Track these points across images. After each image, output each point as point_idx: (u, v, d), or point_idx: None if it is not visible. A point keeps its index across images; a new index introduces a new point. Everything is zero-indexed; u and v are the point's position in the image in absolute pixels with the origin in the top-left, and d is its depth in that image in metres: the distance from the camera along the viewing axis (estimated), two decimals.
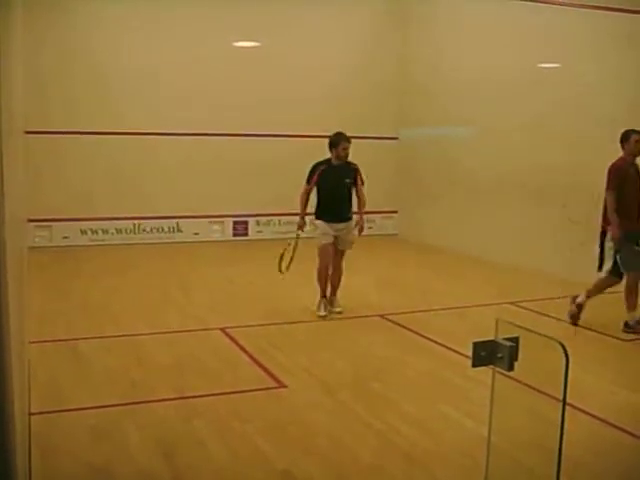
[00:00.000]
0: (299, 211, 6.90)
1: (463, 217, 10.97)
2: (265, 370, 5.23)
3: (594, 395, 4.77)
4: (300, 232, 6.83)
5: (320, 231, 6.87)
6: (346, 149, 6.75)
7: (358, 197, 6.98)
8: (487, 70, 10.25)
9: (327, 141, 6.86)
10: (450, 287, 8.55)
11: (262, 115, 11.51)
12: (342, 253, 6.98)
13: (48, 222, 10.62)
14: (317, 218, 6.90)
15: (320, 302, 6.93)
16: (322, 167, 6.82)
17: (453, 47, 11.05)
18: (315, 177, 6.80)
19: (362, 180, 6.97)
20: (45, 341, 5.78)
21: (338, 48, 12.02)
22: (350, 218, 6.95)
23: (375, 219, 12.08)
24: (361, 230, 6.91)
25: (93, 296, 7.60)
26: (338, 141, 6.74)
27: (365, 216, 7.03)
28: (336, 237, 6.85)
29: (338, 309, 6.96)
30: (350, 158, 6.82)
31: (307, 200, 6.94)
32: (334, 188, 6.82)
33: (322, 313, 6.86)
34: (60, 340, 5.91)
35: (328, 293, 6.98)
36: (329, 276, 6.95)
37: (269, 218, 11.96)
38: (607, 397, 4.84)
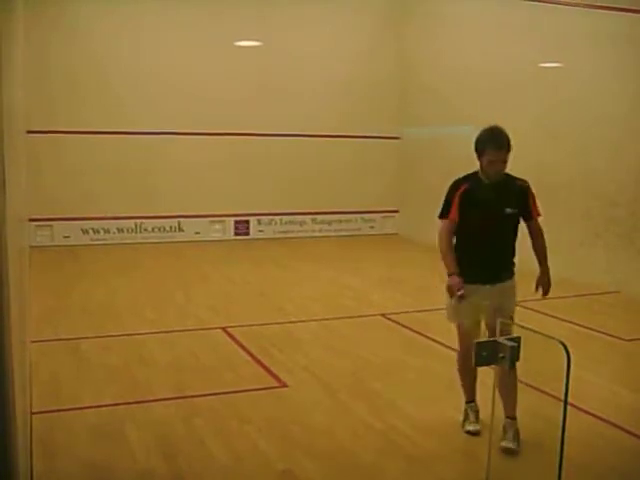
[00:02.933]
0: (447, 265, 4.14)
1: None
2: (266, 369, 5.22)
3: (595, 395, 4.76)
4: (460, 298, 3.92)
5: (456, 303, 3.98)
6: (494, 163, 4.10)
7: (533, 236, 4.26)
8: (489, 68, 10.24)
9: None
10: None
11: (263, 114, 11.52)
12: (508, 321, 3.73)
13: (49, 221, 10.64)
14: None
15: (466, 410, 4.20)
16: (465, 186, 4.18)
17: (455, 45, 11.03)
18: (455, 204, 4.14)
19: (538, 210, 4.25)
20: (46, 340, 5.78)
21: (339, 46, 12.02)
22: (512, 275, 4.15)
23: (376, 218, 12.07)
24: (547, 289, 4.14)
25: (94, 295, 7.60)
26: (483, 146, 4.13)
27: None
28: (487, 306, 3.97)
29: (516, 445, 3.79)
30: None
31: (452, 243, 4.23)
32: (487, 223, 4.08)
33: (469, 428, 4.10)
34: (61, 339, 5.91)
35: (476, 394, 4.19)
36: (474, 369, 3.95)
37: (270, 217, 11.96)
38: (608, 397, 4.83)
